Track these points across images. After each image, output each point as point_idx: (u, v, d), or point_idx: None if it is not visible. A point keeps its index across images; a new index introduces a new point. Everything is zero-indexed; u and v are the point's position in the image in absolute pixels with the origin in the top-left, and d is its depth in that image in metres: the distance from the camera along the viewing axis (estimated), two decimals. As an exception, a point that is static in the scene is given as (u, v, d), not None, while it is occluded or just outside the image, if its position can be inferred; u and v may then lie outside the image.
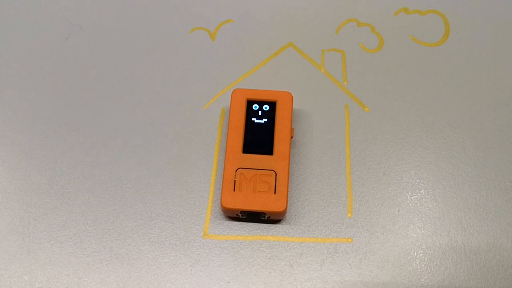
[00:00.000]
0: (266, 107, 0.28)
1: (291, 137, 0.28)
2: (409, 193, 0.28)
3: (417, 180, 0.29)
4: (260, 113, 0.28)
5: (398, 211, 0.28)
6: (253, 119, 0.28)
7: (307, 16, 0.34)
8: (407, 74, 0.32)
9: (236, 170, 0.27)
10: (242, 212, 0.26)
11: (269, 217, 0.27)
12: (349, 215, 0.28)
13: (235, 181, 0.26)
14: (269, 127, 0.28)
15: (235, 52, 0.33)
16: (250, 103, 0.28)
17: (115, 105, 0.31)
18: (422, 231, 0.27)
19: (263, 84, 0.31)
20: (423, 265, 0.26)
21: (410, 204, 0.28)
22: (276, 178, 0.26)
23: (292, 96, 0.28)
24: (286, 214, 0.27)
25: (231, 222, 0.27)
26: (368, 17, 0.34)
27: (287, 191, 0.26)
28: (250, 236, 0.27)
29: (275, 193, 0.26)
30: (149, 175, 0.29)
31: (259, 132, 0.28)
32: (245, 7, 0.35)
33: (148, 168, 0.29)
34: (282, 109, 0.28)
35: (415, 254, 0.27)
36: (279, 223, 0.27)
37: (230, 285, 0.26)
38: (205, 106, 0.31)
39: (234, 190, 0.26)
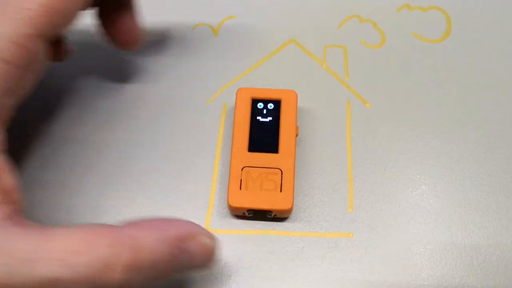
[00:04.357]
0: (271, 106, 0.28)
1: (296, 135, 0.28)
2: (410, 189, 0.28)
3: (418, 176, 0.29)
4: (265, 111, 0.28)
5: (399, 207, 0.28)
6: (258, 117, 0.28)
7: (309, 12, 0.34)
8: (408, 70, 0.32)
9: (242, 169, 0.27)
10: (249, 210, 0.26)
11: (275, 215, 0.27)
12: (350, 210, 0.28)
13: (241, 179, 0.26)
14: (274, 126, 0.28)
15: (238, 48, 0.33)
16: (255, 102, 0.28)
17: (116, 101, 0.31)
18: (423, 227, 0.27)
19: (266, 80, 0.32)
20: (424, 260, 0.26)
21: (411, 200, 0.28)
22: (282, 176, 0.26)
23: (296, 94, 0.28)
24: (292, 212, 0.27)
25: (232, 217, 0.27)
26: (370, 13, 0.34)
27: (293, 189, 0.26)
28: (251, 230, 0.27)
29: (281, 191, 0.26)
30: (151, 169, 0.29)
31: (264, 131, 0.28)
32: (247, 3, 0.35)
33: (150, 162, 0.29)
34: (286, 108, 0.28)
35: (416, 249, 0.27)
36: (283, 219, 0.27)
37: (231, 279, 0.26)
38: (208, 102, 0.31)
39: (240, 189, 0.26)
